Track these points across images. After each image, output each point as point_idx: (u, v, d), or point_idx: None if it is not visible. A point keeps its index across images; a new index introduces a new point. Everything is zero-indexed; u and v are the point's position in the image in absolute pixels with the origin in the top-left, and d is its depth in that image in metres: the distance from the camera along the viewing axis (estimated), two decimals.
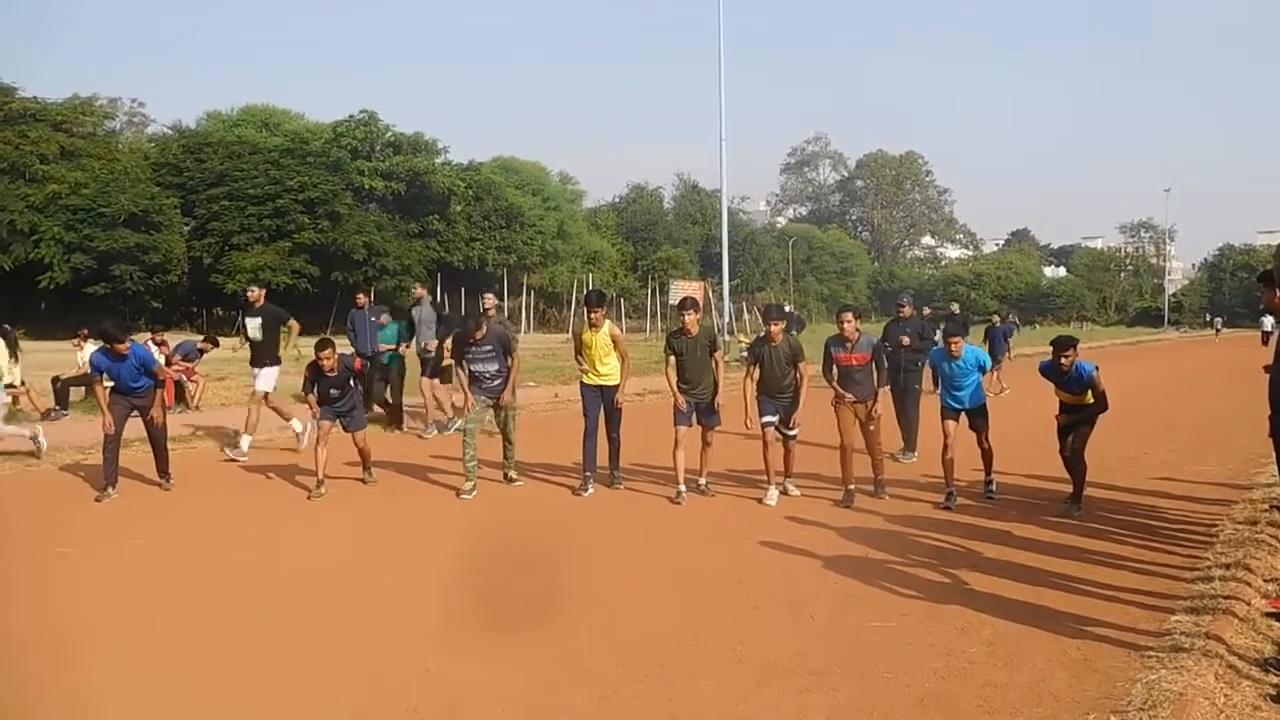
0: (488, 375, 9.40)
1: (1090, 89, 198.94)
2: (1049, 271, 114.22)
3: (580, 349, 9.58)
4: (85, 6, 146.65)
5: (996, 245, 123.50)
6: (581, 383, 9.64)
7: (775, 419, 8.96)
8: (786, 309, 17.11)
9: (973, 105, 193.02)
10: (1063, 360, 8.42)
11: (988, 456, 9.12)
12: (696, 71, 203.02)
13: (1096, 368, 8.57)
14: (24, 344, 15.74)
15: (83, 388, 13.92)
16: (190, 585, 6.49)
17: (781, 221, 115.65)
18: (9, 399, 12.79)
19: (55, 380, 14.26)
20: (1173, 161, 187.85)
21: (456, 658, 5.10)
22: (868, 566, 6.76)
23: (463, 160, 62.69)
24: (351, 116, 57.07)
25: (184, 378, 15.09)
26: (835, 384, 9.08)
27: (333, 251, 49.20)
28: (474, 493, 9.17)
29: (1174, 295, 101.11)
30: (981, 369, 9.06)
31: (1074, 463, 8.61)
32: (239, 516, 8.66)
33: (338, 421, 9.51)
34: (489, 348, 9.36)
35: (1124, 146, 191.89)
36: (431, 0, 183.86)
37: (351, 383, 9.54)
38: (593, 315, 9.42)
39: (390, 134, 57.56)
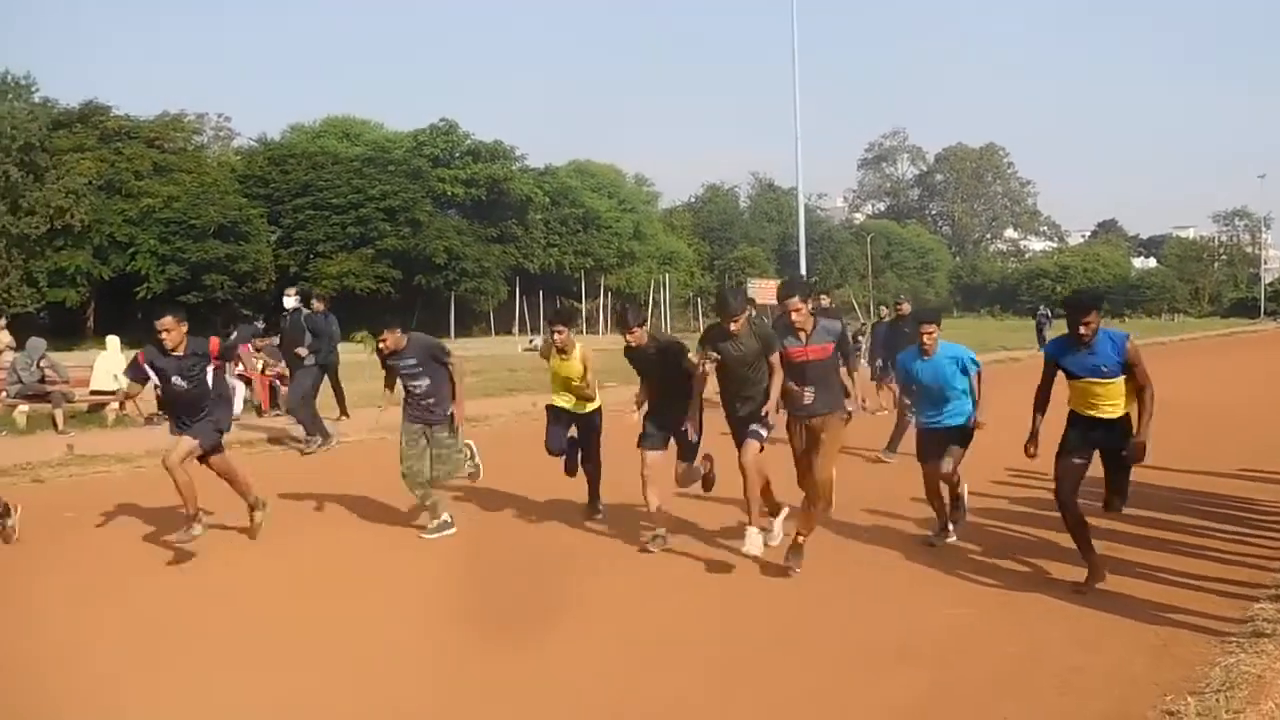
0: (418, 391, 7.61)
1: (1179, 72, 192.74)
2: (1138, 263, 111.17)
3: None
4: (172, 27, 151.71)
5: (1083, 237, 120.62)
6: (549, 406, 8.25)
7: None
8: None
9: (1055, 93, 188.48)
10: (1082, 329, 5.82)
11: (954, 492, 7.18)
12: (771, 70, 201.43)
13: (1129, 337, 5.99)
14: (123, 352, 16.36)
15: None
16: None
17: (859, 217, 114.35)
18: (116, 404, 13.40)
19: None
20: (1268, 146, 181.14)
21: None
22: (943, 554, 6.80)
23: (539, 165, 63.56)
24: (432, 126, 58.42)
25: (277, 381, 15.54)
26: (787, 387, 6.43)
27: (414, 257, 50.29)
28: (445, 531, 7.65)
29: (1271, 285, 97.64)
30: (965, 370, 7.07)
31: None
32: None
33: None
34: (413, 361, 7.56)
35: (1217, 132, 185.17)
36: (509, 9, 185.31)
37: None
38: (558, 336, 7.84)
39: (469, 142, 58.61)
